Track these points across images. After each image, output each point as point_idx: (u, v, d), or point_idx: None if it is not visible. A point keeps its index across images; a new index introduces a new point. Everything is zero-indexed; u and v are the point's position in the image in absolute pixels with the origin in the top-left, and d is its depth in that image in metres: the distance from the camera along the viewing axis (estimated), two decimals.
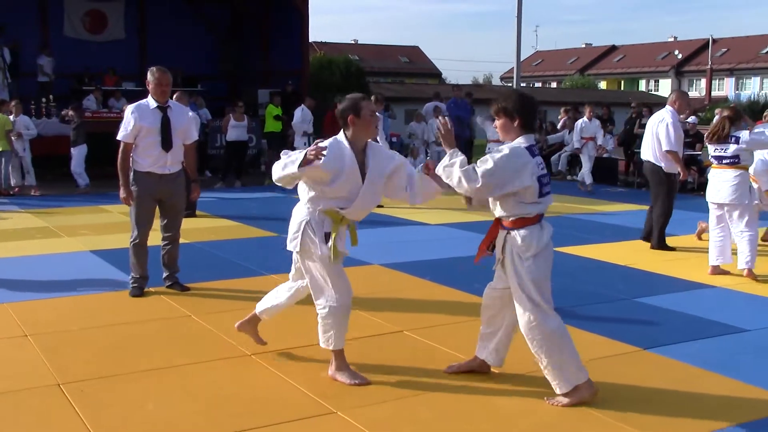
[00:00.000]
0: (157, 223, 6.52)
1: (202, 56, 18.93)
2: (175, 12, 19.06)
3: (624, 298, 6.42)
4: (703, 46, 56.69)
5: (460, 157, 4.09)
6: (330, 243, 4.28)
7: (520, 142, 4.10)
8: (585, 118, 15.00)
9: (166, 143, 6.21)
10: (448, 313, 5.89)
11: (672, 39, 63.37)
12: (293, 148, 17.47)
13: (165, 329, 5.44)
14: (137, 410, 4.01)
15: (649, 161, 8.58)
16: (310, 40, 19.44)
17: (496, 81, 65.41)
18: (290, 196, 13.54)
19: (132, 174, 6.26)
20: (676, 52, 59.02)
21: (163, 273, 6.56)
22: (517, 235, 4.13)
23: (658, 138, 8.36)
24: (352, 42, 56.55)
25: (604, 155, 16.53)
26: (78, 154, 13.44)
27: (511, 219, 4.15)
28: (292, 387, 4.29)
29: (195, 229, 9.27)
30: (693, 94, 47.86)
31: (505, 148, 4.05)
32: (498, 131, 4.26)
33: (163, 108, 6.26)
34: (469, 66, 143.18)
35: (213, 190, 13.58)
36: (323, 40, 47.50)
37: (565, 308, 5.99)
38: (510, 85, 38.50)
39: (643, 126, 13.46)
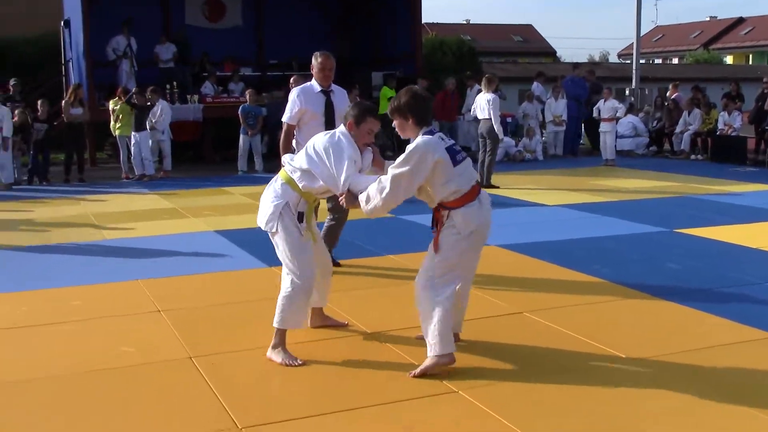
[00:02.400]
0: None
1: (316, 41, 19.08)
2: None
3: (755, 282, 6.13)
4: None
5: (362, 194, 4.27)
6: (304, 223, 4.49)
7: (418, 137, 4.20)
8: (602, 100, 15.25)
9: (330, 125, 6.38)
10: (568, 294, 5.79)
11: None
12: None
13: None
14: (264, 384, 4.14)
15: None
16: (422, 22, 19.37)
17: (613, 58, 63.50)
18: None
19: None
20: None
21: None
22: (457, 212, 4.21)
23: None
24: (464, 22, 56.01)
25: (731, 133, 15.81)
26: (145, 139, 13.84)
27: (449, 201, 4.22)
28: (411, 366, 4.32)
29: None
30: None
31: (406, 154, 4.14)
32: (398, 131, 4.39)
33: (326, 92, 6.44)
34: (585, 44, 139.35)
35: None
36: (435, 21, 47.29)
37: (690, 291, 5.80)
38: (628, 62, 37.23)
39: None
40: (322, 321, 5.04)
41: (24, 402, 3.98)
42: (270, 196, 4.53)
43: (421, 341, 4.41)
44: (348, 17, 20.27)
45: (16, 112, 13.35)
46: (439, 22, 48.01)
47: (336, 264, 6.62)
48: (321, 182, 4.44)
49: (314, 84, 6.44)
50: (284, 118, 6.50)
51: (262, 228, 4.54)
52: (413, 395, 3.93)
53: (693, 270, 6.50)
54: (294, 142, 6.46)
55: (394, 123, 4.37)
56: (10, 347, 4.84)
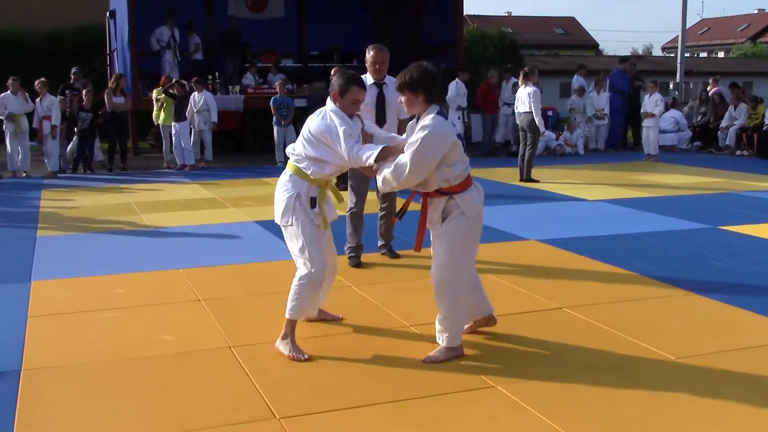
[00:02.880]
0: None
1: (358, 33, 19.15)
2: None
3: None
4: None
5: (385, 168, 4.24)
6: (317, 209, 4.47)
7: (431, 112, 4.19)
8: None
9: (380, 118, 6.39)
10: (609, 291, 5.73)
11: None
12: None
13: (329, 299, 5.57)
14: (302, 375, 4.16)
15: None
16: (464, 14, 19.25)
17: (657, 52, 62.52)
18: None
19: None
20: None
21: (378, 242, 6.85)
22: (462, 197, 4.24)
23: None
24: (506, 14, 55.62)
25: None
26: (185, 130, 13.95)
27: (451, 185, 4.24)
28: (452, 360, 4.30)
29: None
30: None
31: (427, 131, 4.11)
32: (404, 106, 4.35)
33: (379, 84, 6.48)
34: (628, 36, 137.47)
35: None
36: (477, 13, 47.04)
37: (734, 289, 5.69)
38: (672, 56, 36.63)
39: None
40: (319, 315, 4.97)
41: (69, 386, 4.05)
42: (281, 189, 4.50)
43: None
44: (389, 8, 20.21)
45: (58, 99, 13.57)
46: (480, 14, 47.76)
47: (394, 255, 6.67)
48: (328, 164, 4.40)
49: (367, 77, 6.45)
50: None
51: (277, 222, 4.53)
52: (450, 389, 3.92)
53: (736, 268, 6.38)
54: None
55: (402, 98, 4.30)
56: (55, 333, 4.92)
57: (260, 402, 3.80)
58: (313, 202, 4.48)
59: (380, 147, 4.27)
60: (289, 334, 4.45)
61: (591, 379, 4.04)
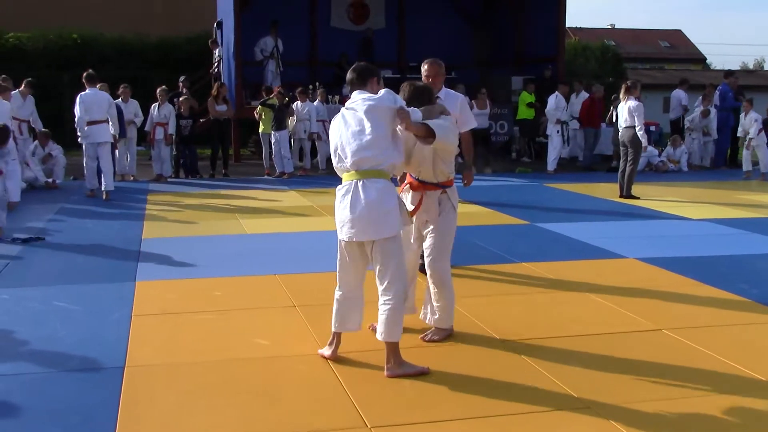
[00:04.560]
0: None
1: (457, 44, 19.20)
2: (431, 1, 19.49)
3: None
4: None
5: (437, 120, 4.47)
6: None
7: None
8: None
9: None
10: (711, 313, 5.53)
11: None
12: (546, 137, 17.17)
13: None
14: (393, 384, 4.16)
15: None
16: (566, 26, 18.99)
17: None
18: (542, 183, 13.42)
19: None
20: None
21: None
22: (453, 191, 4.86)
23: None
24: (609, 27, 54.54)
25: None
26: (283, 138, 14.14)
27: (448, 179, 4.80)
28: (545, 377, 4.24)
29: None
30: None
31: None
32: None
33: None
34: (737, 50, 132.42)
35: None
36: (579, 26, 46.30)
37: None
38: None
39: None
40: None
41: (170, 384, 4.20)
42: (376, 202, 4.20)
43: (527, 347, 4.69)
44: (488, 18, 20.15)
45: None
46: (583, 26, 47.00)
47: None
48: (399, 147, 4.33)
49: None
50: None
51: (384, 237, 4.23)
52: (541, 408, 3.86)
53: None
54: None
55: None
56: (157, 332, 5.11)
57: (352, 410, 3.83)
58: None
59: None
60: (399, 355, 4.30)
61: (690, 404, 3.91)
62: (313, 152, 15.31)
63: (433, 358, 4.54)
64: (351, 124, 4.31)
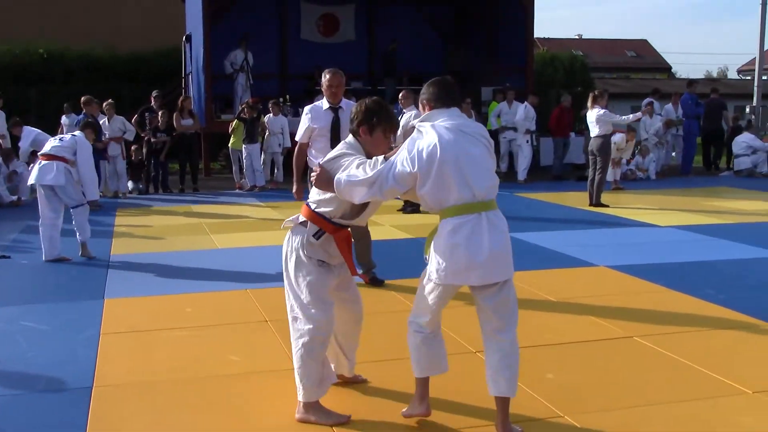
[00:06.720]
0: None
1: (428, 55, 19.30)
2: (401, 13, 19.57)
3: None
4: None
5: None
6: None
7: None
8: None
9: (335, 141, 6.39)
10: (680, 320, 5.57)
11: None
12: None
13: (386, 323, 5.56)
14: (369, 401, 4.16)
15: None
16: (534, 36, 19.17)
17: (732, 74, 60.99)
18: (513, 193, 13.43)
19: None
20: None
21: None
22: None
23: None
24: (576, 37, 55.11)
25: None
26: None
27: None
28: (518, 387, 4.24)
29: (421, 225, 9.44)
30: None
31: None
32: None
33: (335, 108, 6.55)
34: (702, 59, 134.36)
35: None
36: (547, 36, 46.73)
37: None
38: (749, 78, 35.64)
39: None
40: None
41: (140, 404, 4.14)
42: (507, 236, 3.70)
43: None
44: (459, 31, 20.27)
45: (133, 121, 13.94)
46: (551, 36, 47.46)
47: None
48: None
49: (324, 101, 6.59)
50: (296, 137, 6.74)
51: (507, 278, 3.69)
52: (517, 418, 3.84)
53: None
54: (308, 159, 6.64)
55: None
56: (127, 350, 5.04)
57: (326, 427, 3.81)
58: None
59: None
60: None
61: (662, 411, 3.94)
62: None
63: (405, 370, 4.52)
64: (472, 149, 3.66)
